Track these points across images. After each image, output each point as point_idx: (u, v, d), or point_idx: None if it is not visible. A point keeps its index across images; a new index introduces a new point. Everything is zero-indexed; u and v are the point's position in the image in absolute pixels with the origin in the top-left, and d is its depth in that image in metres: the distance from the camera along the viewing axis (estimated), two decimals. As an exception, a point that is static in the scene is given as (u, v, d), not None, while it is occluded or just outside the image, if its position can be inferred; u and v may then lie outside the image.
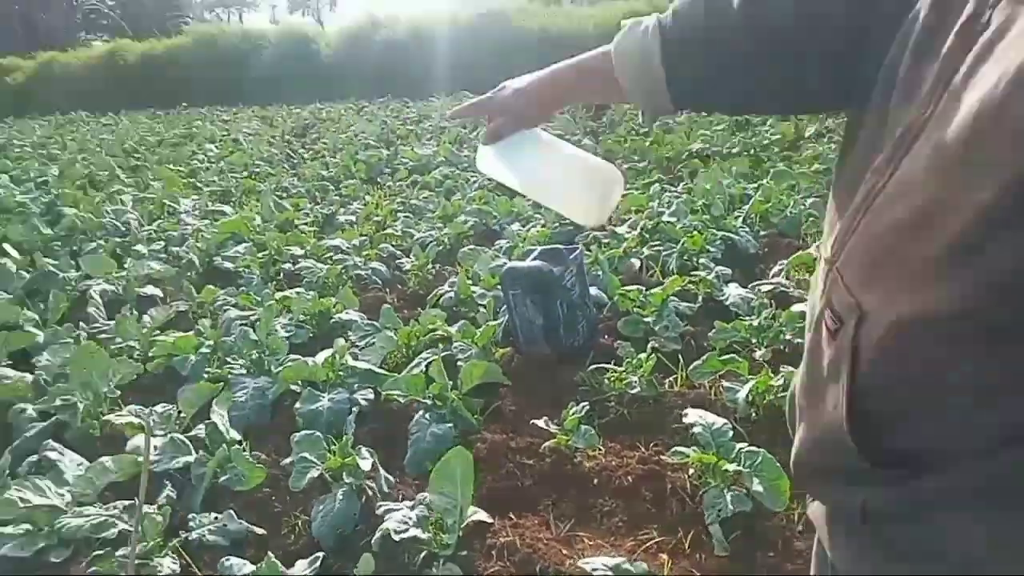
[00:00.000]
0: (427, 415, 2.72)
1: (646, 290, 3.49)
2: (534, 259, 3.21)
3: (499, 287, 3.66)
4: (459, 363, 3.05)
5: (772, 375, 2.62)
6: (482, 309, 3.61)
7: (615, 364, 2.94)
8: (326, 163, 8.60)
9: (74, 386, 3.05)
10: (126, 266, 4.86)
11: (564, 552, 2.06)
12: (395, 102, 15.94)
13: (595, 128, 10.10)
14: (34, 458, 2.75)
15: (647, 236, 4.54)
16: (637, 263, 4.19)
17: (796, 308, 3.17)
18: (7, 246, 5.40)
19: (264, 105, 17.54)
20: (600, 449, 2.48)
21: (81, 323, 3.97)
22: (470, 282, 3.95)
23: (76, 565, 2.24)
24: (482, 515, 2.11)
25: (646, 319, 3.29)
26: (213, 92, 19.96)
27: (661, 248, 4.30)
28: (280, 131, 12.17)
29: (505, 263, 4.13)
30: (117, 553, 2.16)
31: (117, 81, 22.98)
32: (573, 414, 2.48)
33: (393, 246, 5.07)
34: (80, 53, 27.28)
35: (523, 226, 5.20)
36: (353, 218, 6.05)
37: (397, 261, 4.83)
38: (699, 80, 0.96)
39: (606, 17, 17.53)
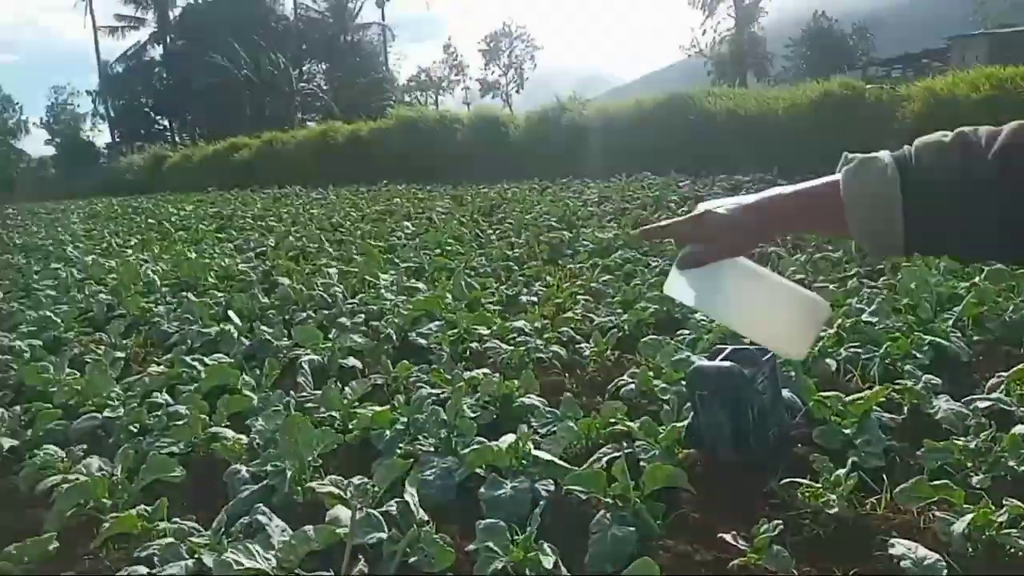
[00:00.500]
0: (608, 515, 2.70)
1: (845, 397, 3.29)
2: (723, 359, 3.14)
3: (683, 383, 3.61)
4: (641, 462, 3.02)
5: (993, 508, 2.37)
6: (665, 406, 3.55)
7: (809, 478, 2.78)
8: (511, 243, 8.95)
9: (283, 453, 3.32)
10: (331, 337, 5.28)
11: None
12: (577, 183, 16.37)
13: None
14: (246, 519, 3.02)
15: (844, 336, 4.31)
16: (833, 364, 3.97)
17: (1020, 430, 2.86)
18: (231, 313, 6.06)
19: (455, 184, 18.64)
20: (793, 573, 2.34)
21: (291, 391, 4.35)
22: (651, 375, 3.92)
23: (278, 627, 2.41)
24: (665, 632, 2.05)
25: (845, 430, 3.10)
26: (411, 170, 21.54)
27: (860, 350, 4.05)
28: (469, 210, 12.85)
29: (688, 355, 4.08)
30: (315, 622, 2.31)
31: (327, 158, 25.45)
32: (764, 532, 2.36)
33: (573, 330, 5.15)
34: (297, 132, 30.59)
35: (707, 316, 5.11)
36: (535, 299, 6.22)
37: (577, 346, 4.89)
38: (944, 233, 0.93)
39: (796, 99, 17.15)
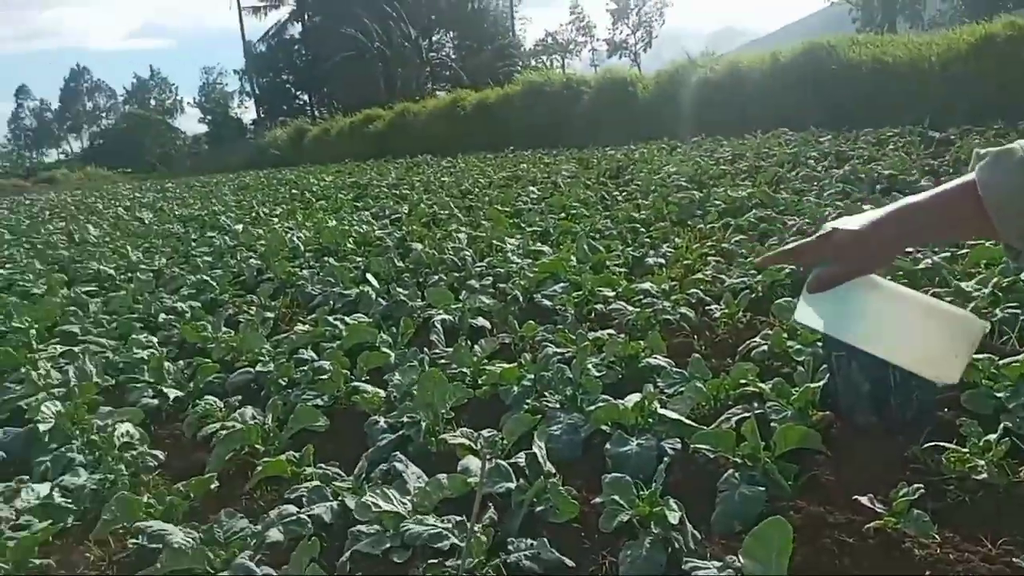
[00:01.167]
0: (737, 474, 2.66)
1: (999, 360, 3.06)
2: (862, 319, 2.99)
3: (819, 344, 3.48)
4: (772, 423, 2.95)
5: None
6: (799, 367, 3.43)
7: (955, 443, 2.62)
8: (638, 205, 8.83)
9: (418, 405, 3.49)
10: (461, 298, 5.45)
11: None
12: (708, 141, 15.85)
13: (935, 167, 9.10)
14: (384, 467, 3.21)
15: (1000, 296, 3.99)
16: (987, 326, 3.69)
17: None
18: (369, 276, 6.36)
19: (581, 147, 18.50)
20: (934, 538, 2.23)
21: (425, 348, 4.54)
22: (786, 336, 3.79)
23: (413, 567, 2.55)
24: (795, 590, 2.02)
25: (998, 394, 2.89)
26: (537, 136, 21.55)
27: (1019, 311, 3.74)
28: (595, 173, 12.75)
29: (825, 317, 3.91)
30: (447, 563, 2.43)
31: (456, 127, 25.88)
32: (903, 495, 2.26)
33: (703, 291, 5.04)
34: (427, 102, 31.21)
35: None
36: (663, 261, 6.13)
37: (706, 307, 4.79)
38: None
39: (952, 44, 15.69)
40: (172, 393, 4.48)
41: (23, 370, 5.03)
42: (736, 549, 2.28)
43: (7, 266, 10.47)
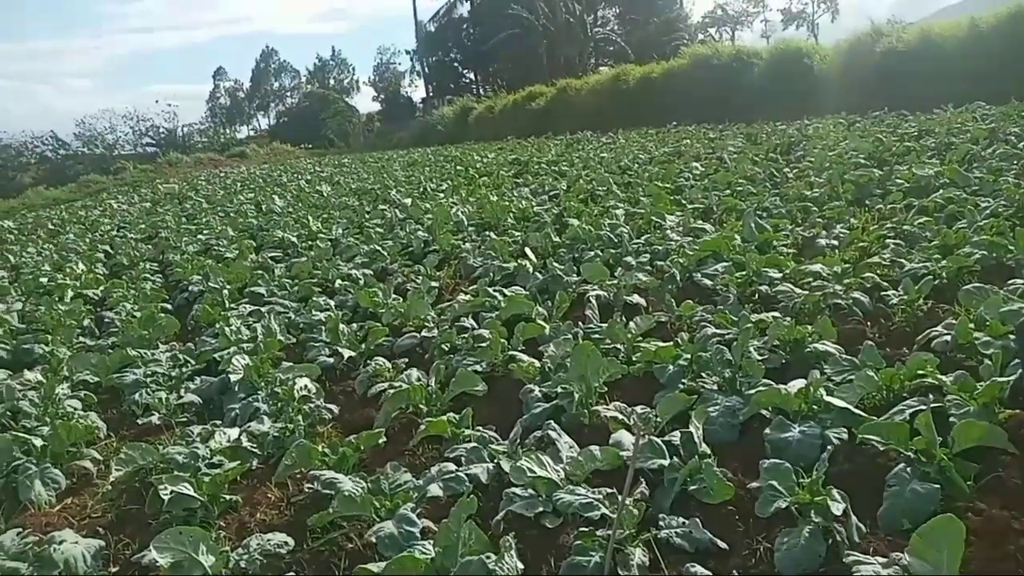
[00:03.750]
0: (908, 469, 2.50)
1: None
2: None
3: (1011, 336, 3.17)
4: (951, 419, 2.74)
5: None
6: (986, 361, 3.15)
7: None
8: (810, 183, 8.36)
9: (572, 377, 3.54)
10: (616, 275, 5.43)
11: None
12: (891, 116, 14.68)
13: None
14: (537, 434, 3.29)
15: None
16: None
17: None
18: (528, 250, 6.47)
19: (749, 122, 17.72)
20: None
21: (579, 322, 4.58)
22: (972, 326, 3.49)
23: (564, 533, 2.61)
24: (970, 597, 1.89)
25: None
26: (702, 110, 20.86)
27: None
28: (764, 148, 12.19)
29: (1021, 307, 3.55)
30: (597, 533, 2.46)
31: (618, 102, 25.53)
32: (1107, 507, 2.03)
33: (879, 276, 4.72)
34: (589, 78, 31.02)
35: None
36: (836, 242, 5.79)
37: (882, 293, 4.48)
38: None
39: None
40: (346, 353, 4.81)
41: (217, 326, 5.60)
42: (903, 547, 2.16)
43: (205, 232, 11.60)
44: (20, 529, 3.00)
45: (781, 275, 4.93)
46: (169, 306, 7.12)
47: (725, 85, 21.71)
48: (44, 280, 8.92)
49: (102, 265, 10.24)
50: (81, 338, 6.26)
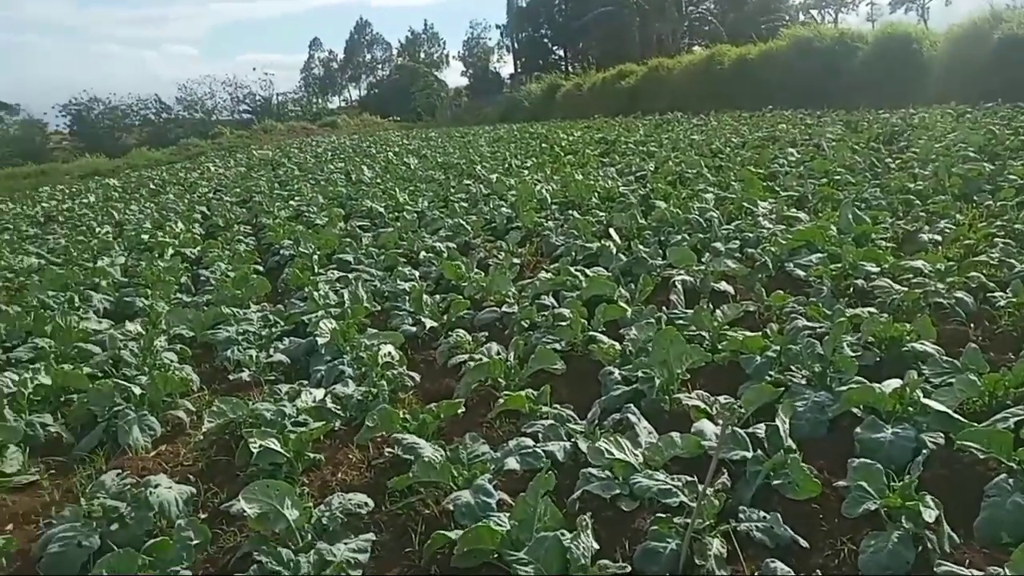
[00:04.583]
0: (1010, 480, 2.37)
1: None
2: None
3: None
4: (1063, 430, 2.58)
5: None
6: (1105, 371, 2.95)
7: None
8: (914, 175, 7.96)
9: (653, 362, 3.49)
10: (704, 260, 5.31)
11: None
12: (1006, 108, 13.80)
13: None
14: (616, 416, 3.27)
15: None
16: None
17: None
18: (612, 231, 6.40)
19: (850, 109, 16.97)
20: None
21: (663, 307, 4.50)
22: (1090, 335, 3.27)
23: (640, 518, 2.59)
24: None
25: None
26: (799, 95, 20.08)
27: None
28: (865, 137, 11.67)
29: None
30: (675, 520, 2.43)
31: (711, 84, 24.84)
32: None
33: (985, 276, 4.47)
34: (683, 58, 30.26)
35: None
36: (939, 238, 5.50)
37: (988, 294, 4.24)
38: None
39: None
40: (428, 323, 4.88)
41: (306, 290, 5.76)
42: (1001, 561, 2.06)
43: (296, 198, 11.94)
44: (119, 471, 3.19)
45: (879, 269, 4.73)
46: (261, 268, 7.37)
47: (826, 70, 20.82)
48: (145, 237, 9.39)
49: (199, 225, 10.71)
50: (178, 294, 6.57)
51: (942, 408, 2.78)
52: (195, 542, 2.59)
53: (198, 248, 8.73)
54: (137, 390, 3.95)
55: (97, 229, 11.17)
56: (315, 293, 5.47)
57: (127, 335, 5.10)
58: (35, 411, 3.97)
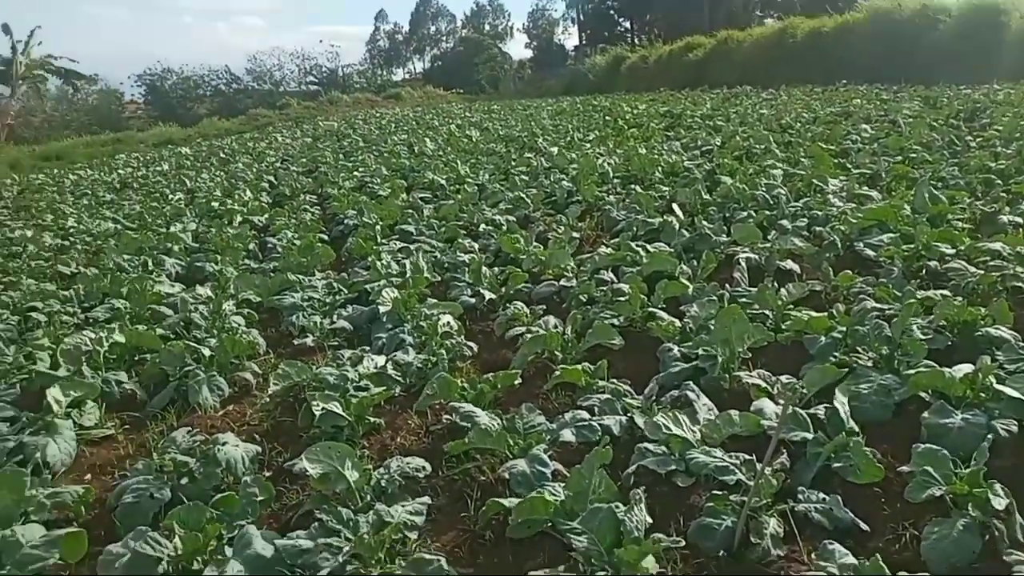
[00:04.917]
0: (1089, 472, 2.28)
1: None
2: None
3: None
4: None
5: None
6: None
7: None
8: (995, 153, 7.59)
9: (714, 340, 3.44)
10: (770, 238, 5.19)
11: None
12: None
13: None
14: (674, 392, 3.24)
15: None
16: None
17: None
18: (675, 206, 6.30)
19: (929, 85, 16.25)
20: None
21: (726, 284, 4.43)
22: None
23: (695, 494, 2.58)
24: None
25: None
26: (875, 70, 19.29)
27: None
28: (944, 114, 11.17)
29: None
30: (731, 497, 2.41)
31: (782, 58, 24.05)
32: None
33: (1071, 261, 4.26)
34: (753, 31, 29.33)
35: None
36: (1020, 220, 5.25)
37: (1074, 280, 4.04)
38: None
39: None
40: (487, 294, 4.92)
41: (369, 259, 5.86)
42: (1075, 555, 1.98)
43: (360, 169, 12.10)
44: (189, 428, 3.33)
45: (954, 251, 4.54)
46: (326, 236, 7.52)
47: (905, 43, 19.89)
48: (215, 204, 9.67)
49: (266, 194, 10.97)
50: (246, 260, 6.76)
51: (1017, 395, 2.68)
52: (260, 498, 2.69)
53: (265, 216, 8.94)
54: (207, 351, 4.10)
55: (170, 196, 11.57)
56: (378, 263, 5.56)
57: (197, 299, 5.30)
58: (111, 369, 4.17)
